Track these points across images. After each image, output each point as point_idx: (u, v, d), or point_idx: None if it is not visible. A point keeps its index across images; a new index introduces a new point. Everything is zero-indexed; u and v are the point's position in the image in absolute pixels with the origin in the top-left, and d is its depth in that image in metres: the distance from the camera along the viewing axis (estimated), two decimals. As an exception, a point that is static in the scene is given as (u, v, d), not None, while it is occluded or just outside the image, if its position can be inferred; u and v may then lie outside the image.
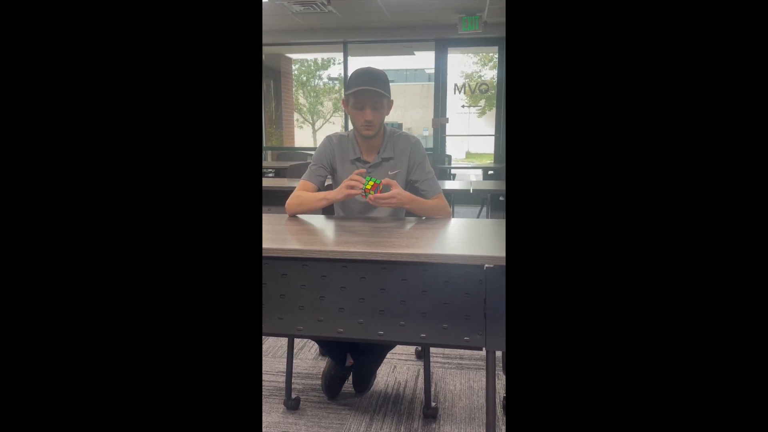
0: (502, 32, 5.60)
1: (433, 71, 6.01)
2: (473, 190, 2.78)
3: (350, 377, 1.83)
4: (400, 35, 5.85)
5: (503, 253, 1.28)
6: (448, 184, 3.06)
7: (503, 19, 5.35)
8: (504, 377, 1.76)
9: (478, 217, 4.15)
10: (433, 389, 1.85)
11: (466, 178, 5.72)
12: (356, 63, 6.27)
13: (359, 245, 1.31)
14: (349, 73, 1.67)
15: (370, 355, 1.78)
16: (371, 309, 1.36)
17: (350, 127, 1.78)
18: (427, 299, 1.34)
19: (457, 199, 4.94)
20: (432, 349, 2.12)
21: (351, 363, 1.78)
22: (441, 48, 5.88)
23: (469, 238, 1.46)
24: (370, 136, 1.65)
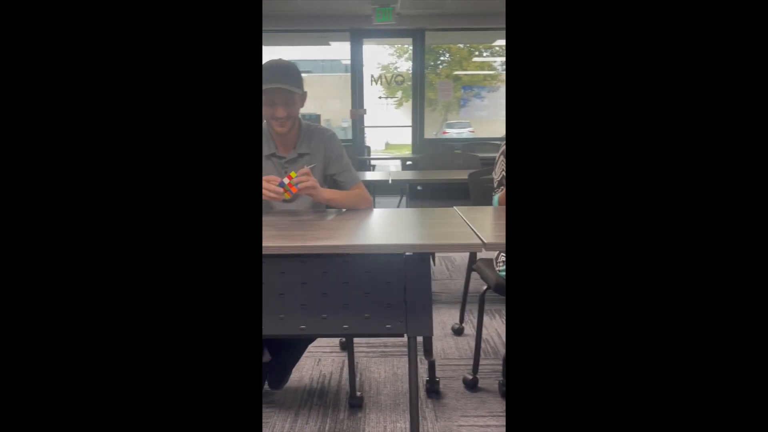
0: (415, 24, 5.68)
1: (349, 62, 5.99)
2: (392, 180, 2.81)
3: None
4: (314, 25, 5.76)
5: (423, 241, 1.31)
6: (368, 175, 3.08)
7: (416, 11, 5.44)
8: (426, 362, 1.81)
9: (398, 206, 4.21)
10: (358, 379, 1.86)
11: (387, 168, 5.77)
12: (270, 52, 6.09)
13: (277, 239, 1.28)
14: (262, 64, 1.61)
15: (289, 349, 1.75)
16: (292, 304, 1.33)
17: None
18: (348, 290, 1.35)
19: (377, 189, 4.99)
20: (357, 339, 2.14)
21: (268, 359, 1.74)
22: (356, 39, 5.87)
23: (389, 227, 1.48)
24: (283, 132, 1.62)
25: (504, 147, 1.80)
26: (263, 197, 1.47)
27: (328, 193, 1.61)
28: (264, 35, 6.23)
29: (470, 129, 10.32)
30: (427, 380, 1.79)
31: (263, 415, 1.65)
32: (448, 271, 3.19)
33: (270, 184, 1.46)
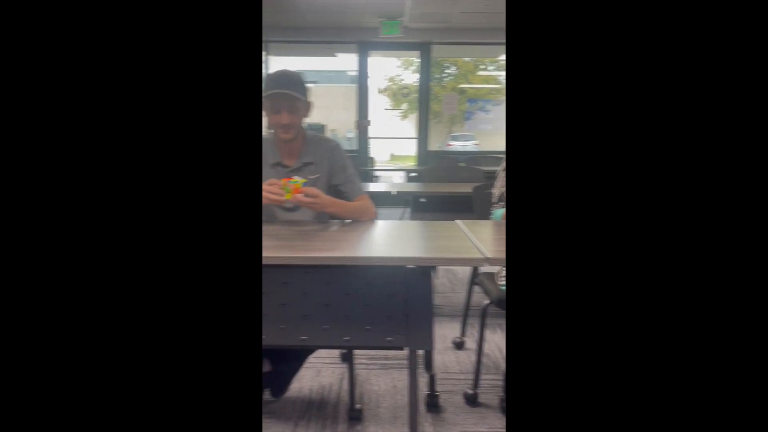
0: (422, 37, 5.73)
1: (355, 73, 6.03)
2: (396, 192, 2.82)
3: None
4: (322, 36, 5.82)
5: (425, 254, 1.31)
6: (372, 186, 3.08)
7: (423, 25, 5.49)
8: (426, 375, 1.80)
9: (400, 218, 4.22)
10: (357, 391, 1.86)
11: (390, 180, 5.80)
12: (278, 62, 6.15)
13: (281, 250, 1.29)
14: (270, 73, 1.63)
15: (289, 361, 1.75)
16: (294, 314, 1.34)
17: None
18: (350, 302, 1.35)
19: (381, 201, 5.01)
20: (357, 351, 2.13)
21: (269, 369, 1.74)
22: (363, 51, 5.92)
23: (391, 239, 1.48)
24: (288, 139, 1.64)
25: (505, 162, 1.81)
26: (264, 201, 1.48)
27: (329, 203, 1.60)
28: (272, 45, 6.25)
29: (475, 142, 10.36)
30: (427, 394, 1.78)
31: (263, 425, 1.64)
32: (450, 284, 3.18)
33: (272, 187, 1.47)
